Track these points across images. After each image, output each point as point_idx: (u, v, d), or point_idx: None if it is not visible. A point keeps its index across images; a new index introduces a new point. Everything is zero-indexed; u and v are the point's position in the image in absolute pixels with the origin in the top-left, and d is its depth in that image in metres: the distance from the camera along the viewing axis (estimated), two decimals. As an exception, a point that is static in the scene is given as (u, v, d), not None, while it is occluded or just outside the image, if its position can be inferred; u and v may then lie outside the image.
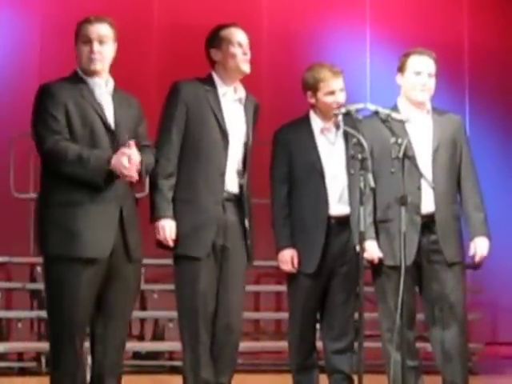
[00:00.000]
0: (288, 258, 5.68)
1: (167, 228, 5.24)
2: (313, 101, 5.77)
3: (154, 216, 5.28)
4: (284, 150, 5.77)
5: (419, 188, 5.46)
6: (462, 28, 11.33)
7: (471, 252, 5.58)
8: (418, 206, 5.47)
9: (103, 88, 5.00)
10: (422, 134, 5.58)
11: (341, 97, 5.72)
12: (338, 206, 5.70)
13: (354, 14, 11.01)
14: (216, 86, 5.46)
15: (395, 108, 5.62)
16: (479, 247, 5.57)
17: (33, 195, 9.01)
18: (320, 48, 10.14)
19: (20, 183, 9.06)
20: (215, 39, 5.48)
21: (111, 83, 5.04)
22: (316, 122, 5.78)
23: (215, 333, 5.40)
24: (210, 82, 5.47)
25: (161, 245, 5.30)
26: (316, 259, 5.65)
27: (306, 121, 5.82)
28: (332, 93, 5.71)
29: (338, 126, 5.63)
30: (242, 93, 5.51)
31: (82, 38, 4.99)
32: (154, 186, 5.28)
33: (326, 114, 5.73)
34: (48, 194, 4.88)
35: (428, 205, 5.52)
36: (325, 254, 5.67)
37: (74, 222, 4.78)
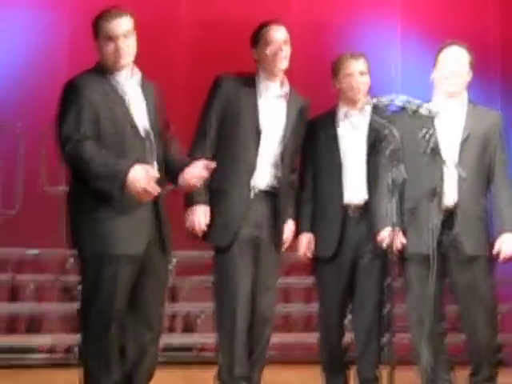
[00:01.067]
0: (304, 242, 5.75)
1: (199, 212, 5.27)
2: (337, 86, 5.80)
3: (188, 202, 5.29)
4: (308, 140, 5.80)
5: (442, 179, 5.44)
6: (491, 20, 11.27)
7: (496, 248, 5.55)
8: (440, 198, 5.46)
9: (128, 80, 4.97)
10: (453, 125, 5.54)
11: (361, 79, 5.73)
12: (355, 195, 5.71)
13: (384, 5, 10.96)
14: (259, 82, 5.55)
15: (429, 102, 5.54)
16: (505, 244, 5.53)
17: (64, 189, 9.03)
18: (350, 40, 10.10)
19: (51, 177, 9.08)
20: (255, 39, 5.58)
21: (138, 74, 5.02)
22: (341, 110, 5.76)
23: (252, 325, 5.45)
24: (251, 78, 5.55)
25: (191, 233, 5.33)
26: (333, 244, 5.67)
27: (332, 110, 5.83)
28: (351, 75, 5.72)
29: (363, 114, 5.69)
30: (285, 88, 5.57)
31: (104, 34, 4.93)
32: None
33: (348, 98, 5.71)
34: (80, 190, 4.86)
35: (451, 197, 5.49)
36: (342, 241, 5.69)
37: (109, 219, 4.77)
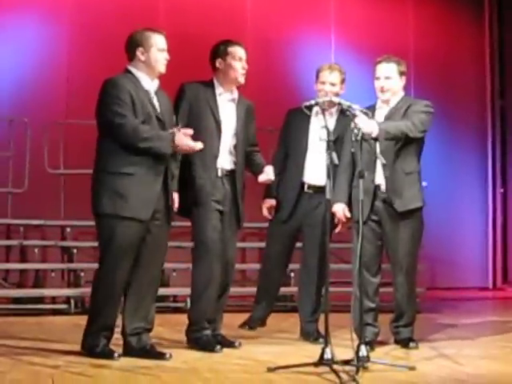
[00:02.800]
0: (267, 206, 5.92)
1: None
2: (316, 88, 5.93)
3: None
4: (285, 126, 5.99)
5: (374, 162, 5.46)
6: (408, 37, 11.34)
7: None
8: (373, 177, 5.49)
9: (151, 85, 5.06)
10: (381, 118, 5.57)
11: (328, 88, 5.83)
12: (313, 176, 5.77)
13: (320, 24, 11.00)
14: (214, 88, 5.55)
15: (375, 105, 5.65)
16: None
17: (63, 171, 9.02)
18: (293, 53, 10.14)
19: (52, 161, 9.04)
20: (222, 51, 5.55)
21: (157, 82, 5.11)
22: (315, 108, 5.73)
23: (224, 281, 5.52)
24: (210, 84, 5.56)
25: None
26: (287, 211, 5.84)
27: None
28: (323, 83, 5.87)
29: (331, 114, 5.83)
30: (235, 95, 5.60)
31: (159, 47, 5.04)
32: None
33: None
34: (105, 164, 4.90)
35: (380, 177, 5.52)
36: (294, 210, 5.82)
37: (124, 189, 4.83)
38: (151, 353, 4.98)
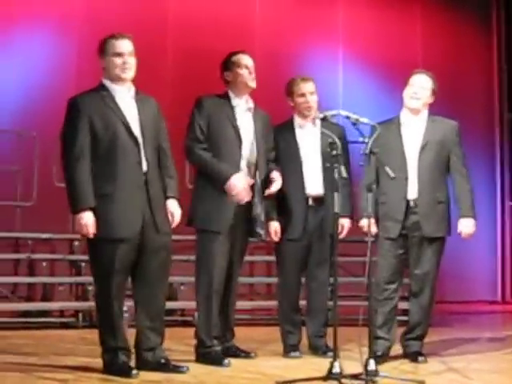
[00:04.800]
0: (273, 229, 5.79)
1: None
2: (292, 103, 5.88)
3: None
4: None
5: (406, 178, 5.49)
6: (417, 50, 11.35)
7: (458, 230, 5.65)
8: (405, 193, 5.53)
9: (125, 93, 4.98)
10: (414, 135, 5.62)
11: (310, 98, 5.81)
12: (313, 187, 5.77)
13: (329, 37, 11.03)
14: (230, 99, 5.56)
15: (398, 116, 5.70)
16: (463, 226, 5.62)
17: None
18: (301, 66, 10.14)
19: (61, 175, 9.02)
20: (227, 63, 5.62)
21: (133, 89, 5.03)
22: (296, 121, 5.87)
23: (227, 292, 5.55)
24: (225, 96, 5.58)
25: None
26: (299, 229, 5.78)
27: (289, 121, 5.90)
28: (303, 95, 5.81)
29: (314, 124, 5.75)
30: (251, 104, 5.62)
31: (112, 51, 4.95)
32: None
33: (302, 113, 5.83)
34: None
35: (413, 192, 5.55)
36: (304, 226, 5.78)
37: (107, 209, 4.77)
38: (167, 366, 4.98)
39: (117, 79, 4.97)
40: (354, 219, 5.76)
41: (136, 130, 4.93)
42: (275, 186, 5.55)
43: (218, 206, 5.40)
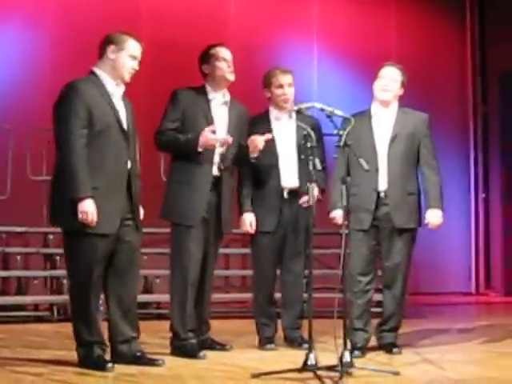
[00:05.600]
0: (248, 221, 5.79)
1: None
2: (268, 95, 5.89)
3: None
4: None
5: (377, 170, 5.51)
6: (391, 43, 11.38)
7: (426, 220, 5.66)
8: (375, 185, 5.55)
9: (116, 89, 4.96)
10: (384, 127, 5.63)
11: (288, 90, 5.79)
12: (288, 180, 5.76)
13: (303, 30, 11.03)
14: (207, 93, 5.55)
15: (369, 108, 5.72)
16: (432, 217, 5.63)
17: (45, 178, 8.98)
18: (276, 58, 10.11)
19: (35, 168, 9.00)
20: (205, 56, 5.62)
21: (123, 88, 5.01)
22: (272, 113, 5.86)
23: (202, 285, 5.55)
24: (202, 89, 5.57)
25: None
26: (274, 221, 5.77)
27: (265, 113, 5.88)
28: (281, 86, 5.79)
29: (290, 117, 5.74)
30: (227, 97, 5.61)
31: (131, 53, 4.93)
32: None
33: (279, 105, 5.81)
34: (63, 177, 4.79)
35: (383, 183, 5.57)
36: (280, 218, 5.78)
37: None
38: (143, 359, 4.96)
39: (118, 78, 4.95)
40: (327, 211, 5.73)
41: (125, 126, 4.93)
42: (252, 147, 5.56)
43: (189, 200, 5.40)
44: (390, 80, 5.67)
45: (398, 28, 11.55)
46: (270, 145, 5.75)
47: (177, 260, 5.46)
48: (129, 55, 4.94)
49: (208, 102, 5.53)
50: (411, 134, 5.65)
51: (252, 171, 5.79)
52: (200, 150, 5.32)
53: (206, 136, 5.29)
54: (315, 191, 5.47)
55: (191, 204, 5.40)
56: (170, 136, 5.45)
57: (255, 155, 5.55)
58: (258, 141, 5.51)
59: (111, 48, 4.93)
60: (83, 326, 4.84)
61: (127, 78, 4.97)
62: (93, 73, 4.94)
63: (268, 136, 5.55)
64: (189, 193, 5.40)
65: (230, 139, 5.35)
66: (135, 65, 4.98)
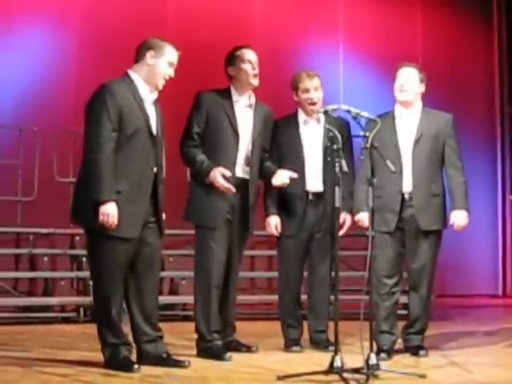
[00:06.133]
0: (273, 224, 5.79)
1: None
2: (296, 98, 5.88)
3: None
4: (273, 138, 5.82)
5: (401, 171, 5.47)
6: (417, 44, 11.34)
7: (451, 222, 5.62)
8: (400, 186, 5.52)
9: (148, 94, 4.95)
10: (408, 128, 5.61)
11: (314, 94, 5.79)
12: (314, 184, 5.74)
13: (329, 32, 11.02)
14: (231, 95, 5.55)
15: (393, 110, 5.69)
16: (457, 218, 5.59)
17: (72, 179, 9.02)
18: (302, 61, 10.12)
19: (61, 170, 9.05)
20: (231, 58, 5.61)
21: (156, 93, 5.01)
22: (301, 116, 5.85)
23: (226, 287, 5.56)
24: (227, 91, 5.57)
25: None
26: (296, 225, 5.76)
27: (294, 115, 5.88)
28: (307, 90, 5.78)
29: (318, 121, 5.73)
30: (252, 100, 5.60)
31: (168, 59, 4.95)
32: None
33: (306, 109, 5.80)
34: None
35: (407, 185, 5.54)
36: (302, 221, 5.76)
37: (118, 207, 4.71)
38: (169, 360, 4.97)
39: (153, 84, 4.95)
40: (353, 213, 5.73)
41: (154, 131, 4.94)
42: (278, 180, 5.54)
43: (212, 201, 5.41)
44: (405, 79, 5.64)
45: (424, 29, 11.52)
46: (297, 148, 5.75)
47: (200, 262, 5.47)
48: (167, 62, 4.95)
49: (232, 104, 5.54)
50: (435, 134, 5.62)
51: None
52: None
53: (216, 177, 5.30)
54: (347, 218, 5.68)
55: (214, 206, 5.41)
56: (189, 153, 5.46)
57: (277, 184, 5.58)
58: (284, 177, 5.52)
59: (150, 53, 4.93)
60: (107, 329, 4.85)
61: (161, 84, 4.97)
62: (127, 75, 4.95)
63: (294, 175, 5.54)
64: (212, 194, 5.40)
65: (233, 189, 5.33)
66: (171, 72, 4.99)
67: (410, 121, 5.65)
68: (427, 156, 5.59)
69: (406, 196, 5.56)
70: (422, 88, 5.71)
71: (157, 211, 4.95)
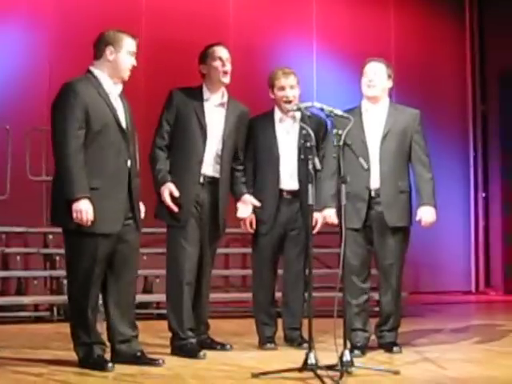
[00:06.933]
0: (247, 221, 5.80)
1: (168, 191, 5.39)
2: (272, 96, 5.87)
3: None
4: (249, 136, 5.82)
5: (368, 169, 5.42)
6: (390, 42, 11.38)
7: (417, 217, 5.61)
8: (367, 183, 5.52)
9: (113, 88, 4.94)
10: (375, 124, 5.60)
11: (290, 92, 5.79)
12: (288, 182, 5.73)
13: (303, 30, 11.03)
14: (202, 93, 5.54)
15: (360, 105, 5.69)
16: (424, 214, 5.59)
17: (45, 178, 8.98)
18: (276, 58, 10.12)
19: (34, 168, 9.00)
20: (203, 56, 5.63)
21: (120, 87, 5.00)
22: (277, 114, 5.85)
23: (199, 285, 5.55)
24: (198, 90, 5.57)
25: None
26: (269, 222, 5.77)
27: (270, 113, 5.88)
28: (282, 88, 5.79)
29: (294, 119, 5.73)
30: (224, 99, 5.59)
31: (128, 49, 4.92)
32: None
33: (281, 107, 5.79)
34: None
35: (375, 181, 5.54)
36: (276, 219, 5.75)
37: (93, 203, 4.70)
38: (143, 359, 4.96)
39: (119, 77, 4.94)
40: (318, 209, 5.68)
41: (124, 125, 4.92)
42: (241, 213, 5.67)
43: (179, 200, 5.40)
44: (373, 75, 5.64)
45: (397, 28, 11.56)
46: (272, 147, 5.76)
47: (172, 259, 5.47)
48: (127, 53, 4.93)
49: (202, 102, 5.53)
50: (403, 130, 5.62)
51: (252, 172, 5.81)
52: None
53: (163, 193, 5.37)
54: (319, 217, 5.65)
55: (181, 204, 5.41)
56: (154, 156, 5.48)
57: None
58: (246, 212, 5.69)
59: (110, 49, 4.91)
60: (81, 328, 4.83)
61: (127, 76, 4.97)
62: (90, 72, 4.93)
63: (257, 204, 5.68)
64: (179, 193, 5.40)
65: (175, 210, 5.37)
66: (133, 61, 4.97)
67: (377, 116, 5.64)
68: (394, 152, 5.59)
69: (373, 193, 5.56)
70: (389, 83, 5.72)
71: (133, 206, 4.94)
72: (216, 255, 5.81)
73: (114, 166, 4.82)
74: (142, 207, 5.13)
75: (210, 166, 5.50)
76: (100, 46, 4.95)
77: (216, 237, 5.66)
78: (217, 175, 5.52)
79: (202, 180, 5.46)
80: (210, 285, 5.82)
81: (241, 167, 5.75)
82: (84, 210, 4.66)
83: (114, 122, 4.86)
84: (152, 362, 4.94)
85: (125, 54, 4.93)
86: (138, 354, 4.97)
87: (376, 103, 5.66)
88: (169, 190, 5.37)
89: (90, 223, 4.69)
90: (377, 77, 5.63)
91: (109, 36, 4.95)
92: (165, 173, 5.42)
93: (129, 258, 4.96)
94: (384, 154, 5.55)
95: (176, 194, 5.36)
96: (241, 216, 5.70)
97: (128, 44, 4.95)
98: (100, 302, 4.98)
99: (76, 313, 4.86)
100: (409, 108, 5.77)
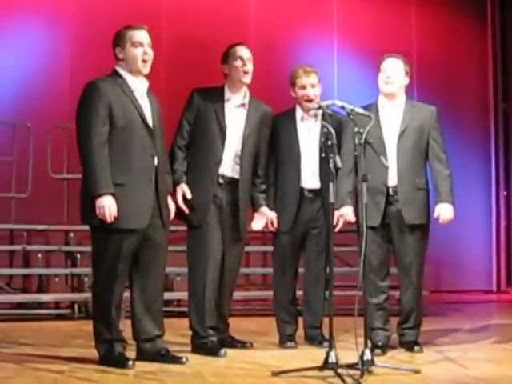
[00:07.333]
0: (268, 220, 5.80)
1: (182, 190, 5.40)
2: (293, 94, 5.85)
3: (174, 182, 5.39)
4: (271, 135, 5.80)
5: (388, 166, 5.40)
6: (411, 40, 11.35)
7: (435, 214, 5.57)
8: (385, 180, 5.49)
9: (139, 85, 4.95)
10: (392, 121, 5.58)
11: (311, 91, 5.77)
12: (310, 180, 5.72)
13: (323, 28, 11.02)
14: (224, 93, 5.54)
15: (376, 102, 5.65)
16: (442, 211, 5.55)
17: (66, 175, 9.02)
18: (296, 56, 10.13)
19: (55, 166, 9.04)
20: (225, 56, 5.61)
21: (147, 83, 5.01)
22: (298, 112, 5.84)
23: (221, 283, 5.55)
24: (220, 90, 5.57)
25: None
26: (290, 221, 5.75)
27: (292, 111, 5.86)
28: (303, 87, 5.77)
29: (315, 117, 5.72)
30: (246, 99, 5.58)
31: (133, 41, 4.91)
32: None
33: (302, 106, 5.78)
34: None
35: (392, 179, 5.52)
36: (297, 218, 5.75)
37: (119, 199, 4.73)
38: (167, 357, 4.97)
39: (136, 71, 4.94)
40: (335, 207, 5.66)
41: (150, 122, 4.93)
42: (257, 225, 5.71)
43: (197, 200, 5.41)
44: (391, 71, 5.61)
45: (418, 25, 11.53)
46: (294, 145, 5.75)
47: (194, 258, 5.46)
48: (132, 45, 4.92)
49: (223, 102, 5.52)
50: (420, 127, 5.59)
51: (274, 171, 5.80)
52: None
53: (177, 194, 5.37)
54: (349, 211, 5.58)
55: (200, 205, 5.42)
56: (173, 155, 5.46)
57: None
58: (260, 224, 5.72)
59: (118, 50, 4.96)
60: (103, 324, 4.85)
61: (142, 67, 4.93)
62: (115, 71, 4.97)
63: (273, 217, 5.73)
64: (196, 193, 5.41)
65: (186, 211, 5.39)
66: (145, 50, 4.93)
67: (394, 113, 5.61)
68: (412, 149, 5.56)
69: (391, 190, 5.54)
70: (406, 80, 5.69)
71: (159, 204, 4.94)
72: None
73: (139, 163, 4.83)
74: (172, 206, 5.15)
75: (228, 167, 5.49)
76: (113, 49, 5.00)
77: (238, 239, 5.63)
78: (236, 176, 5.52)
79: (220, 180, 5.45)
80: (234, 285, 5.81)
81: (260, 181, 5.74)
82: (107, 205, 4.68)
83: (140, 119, 4.87)
84: (176, 360, 4.95)
85: (129, 47, 4.93)
86: (163, 351, 4.98)
87: (393, 100, 5.64)
88: (182, 191, 5.38)
89: (112, 219, 4.71)
90: (395, 73, 5.61)
91: (114, 38, 5.00)
92: (180, 173, 5.43)
93: (155, 256, 4.97)
94: (401, 151, 5.53)
95: (188, 195, 5.37)
96: (254, 228, 5.73)
97: (129, 36, 4.94)
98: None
99: (99, 309, 4.88)
100: (425, 105, 5.74)
